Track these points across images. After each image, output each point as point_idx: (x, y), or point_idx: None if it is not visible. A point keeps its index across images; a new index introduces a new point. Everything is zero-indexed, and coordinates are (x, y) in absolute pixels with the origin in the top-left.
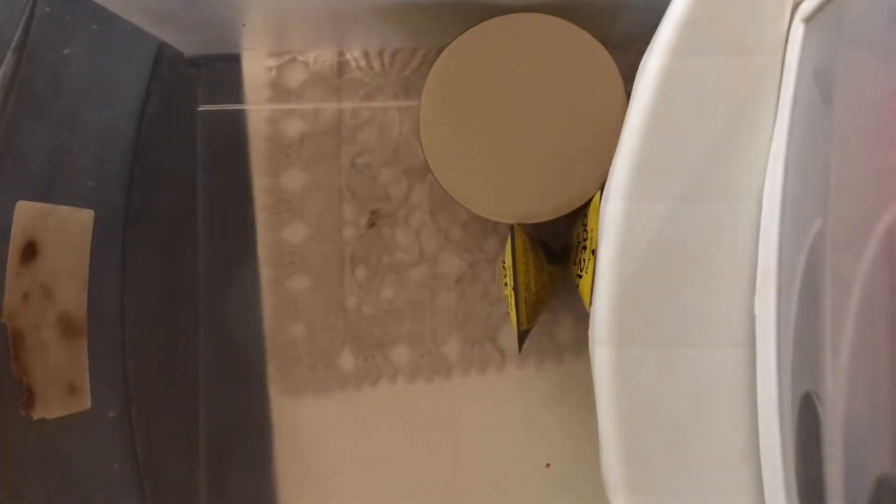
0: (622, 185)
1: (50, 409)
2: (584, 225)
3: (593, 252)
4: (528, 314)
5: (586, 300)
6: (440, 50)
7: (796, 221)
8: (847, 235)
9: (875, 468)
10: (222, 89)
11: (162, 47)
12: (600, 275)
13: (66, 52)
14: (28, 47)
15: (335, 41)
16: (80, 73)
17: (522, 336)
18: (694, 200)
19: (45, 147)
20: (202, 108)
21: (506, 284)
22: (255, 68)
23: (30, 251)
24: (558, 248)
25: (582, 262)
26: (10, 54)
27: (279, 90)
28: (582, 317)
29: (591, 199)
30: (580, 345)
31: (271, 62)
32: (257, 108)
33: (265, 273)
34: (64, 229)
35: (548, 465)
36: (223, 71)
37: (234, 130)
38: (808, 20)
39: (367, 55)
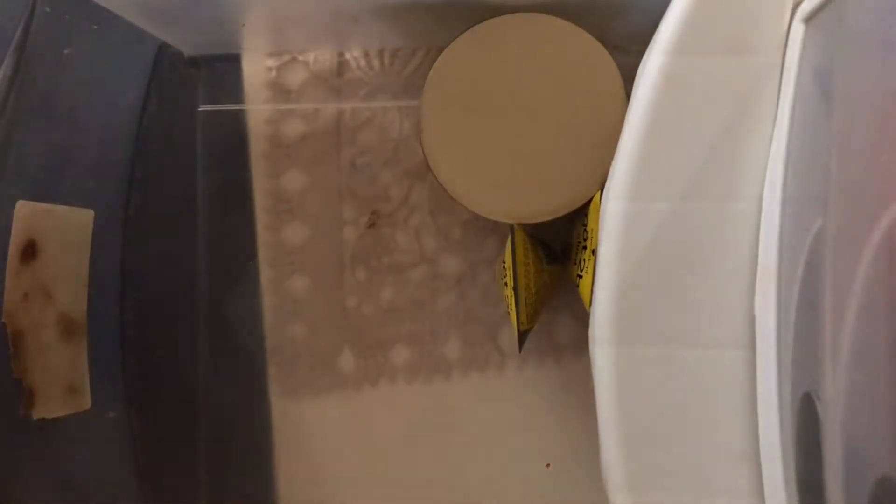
0: (622, 185)
1: (50, 409)
2: (585, 225)
3: (593, 252)
4: (528, 314)
5: (586, 300)
6: (440, 50)
7: (796, 221)
8: (847, 235)
9: (875, 468)
10: (222, 89)
11: (162, 47)
12: (600, 275)
13: (66, 52)
14: (28, 47)
15: (335, 41)
16: (80, 73)
17: (522, 336)
18: (694, 200)
19: (45, 147)
20: (202, 108)
21: (506, 284)
22: (255, 68)
23: (30, 251)
24: (558, 248)
25: (582, 262)
26: (10, 54)
27: (279, 90)
28: (582, 317)
29: (591, 199)
30: (580, 345)
31: (271, 62)
32: (257, 108)
33: (265, 273)
34: (64, 229)
35: (548, 465)
36: (223, 71)
37: (234, 130)
38: (808, 20)
39: (367, 55)
